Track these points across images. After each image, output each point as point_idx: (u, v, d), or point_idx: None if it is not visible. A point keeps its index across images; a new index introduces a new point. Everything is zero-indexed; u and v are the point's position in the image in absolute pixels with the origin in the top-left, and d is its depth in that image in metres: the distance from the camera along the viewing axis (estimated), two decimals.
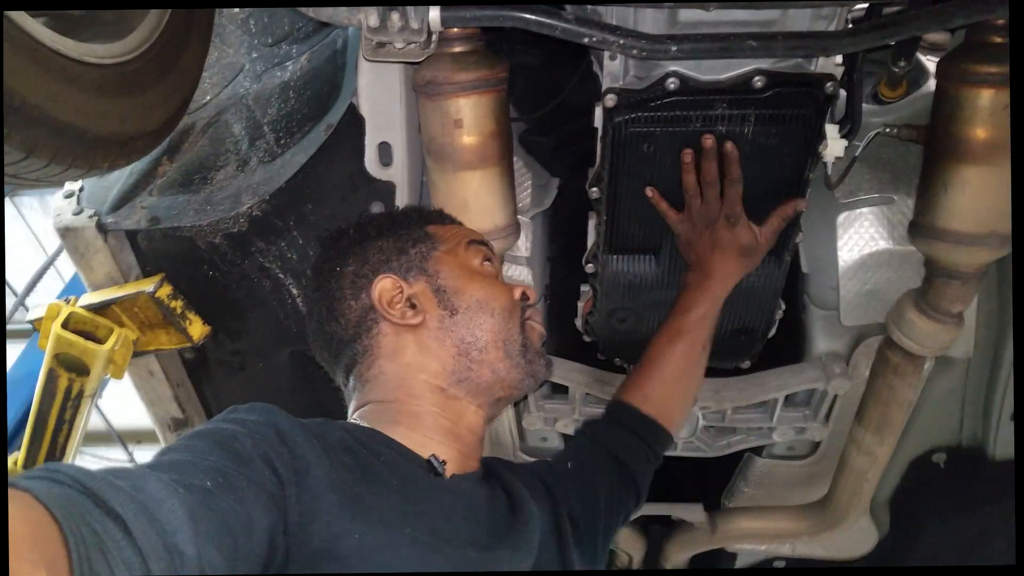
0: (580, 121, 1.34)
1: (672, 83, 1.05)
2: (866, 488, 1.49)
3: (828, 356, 1.41)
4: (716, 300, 1.15)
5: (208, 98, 1.35)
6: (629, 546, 1.80)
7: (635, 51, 0.97)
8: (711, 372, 1.46)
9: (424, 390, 0.91)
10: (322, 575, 0.69)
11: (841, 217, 1.35)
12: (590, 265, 1.30)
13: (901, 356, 1.27)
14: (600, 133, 1.12)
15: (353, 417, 0.91)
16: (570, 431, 1.52)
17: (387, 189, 1.27)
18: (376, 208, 1.28)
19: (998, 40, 1.01)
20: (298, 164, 1.21)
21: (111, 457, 5.66)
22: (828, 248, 1.36)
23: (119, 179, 1.34)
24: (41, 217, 6.71)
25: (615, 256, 1.23)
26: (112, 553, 0.52)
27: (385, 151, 1.25)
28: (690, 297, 1.15)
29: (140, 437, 6.49)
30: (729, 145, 1.07)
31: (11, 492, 0.51)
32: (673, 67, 1.06)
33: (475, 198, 1.16)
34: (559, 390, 1.52)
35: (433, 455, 0.85)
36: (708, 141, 1.07)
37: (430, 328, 0.92)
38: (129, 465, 0.63)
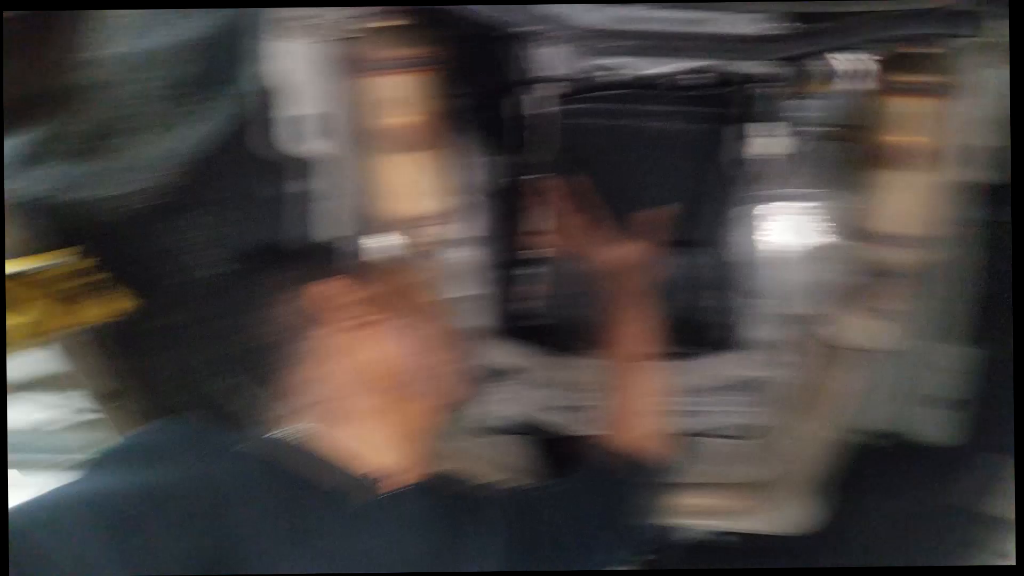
0: (520, 98, 1.33)
1: (602, 75, 1.04)
2: (808, 471, 1.53)
3: (768, 344, 1.43)
4: (635, 305, 1.15)
5: (102, 53, 1.27)
6: None
7: (569, 43, 0.96)
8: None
9: (369, 390, 0.87)
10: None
11: (770, 210, 1.36)
12: (532, 253, 1.30)
13: (837, 349, 1.29)
14: (533, 121, 1.11)
15: (284, 427, 0.86)
16: (513, 414, 1.54)
17: (304, 167, 1.22)
18: (293, 186, 1.23)
19: (923, 51, 1.01)
20: (204, 135, 1.14)
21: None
22: (761, 240, 1.37)
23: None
24: None
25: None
26: None
27: (302, 126, 1.19)
28: (615, 312, 1.17)
29: None
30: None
31: None
32: (602, 60, 1.04)
33: (407, 184, 1.15)
34: (501, 373, 1.53)
35: (368, 471, 0.82)
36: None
37: (373, 330, 0.89)
38: None
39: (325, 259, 1.00)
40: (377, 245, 1.37)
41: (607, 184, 1.14)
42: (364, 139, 1.13)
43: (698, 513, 1.79)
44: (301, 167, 1.21)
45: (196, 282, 1.31)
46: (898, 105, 1.02)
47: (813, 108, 1.19)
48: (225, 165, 1.21)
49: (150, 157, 1.14)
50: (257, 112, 1.17)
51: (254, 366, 0.93)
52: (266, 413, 0.91)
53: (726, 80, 1.03)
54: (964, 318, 1.28)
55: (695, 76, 1.03)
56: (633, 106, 1.05)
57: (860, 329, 1.24)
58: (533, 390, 1.53)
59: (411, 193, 1.16)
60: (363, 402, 0.86)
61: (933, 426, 1.47)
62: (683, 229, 1.21)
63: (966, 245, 1.21)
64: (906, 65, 1.00)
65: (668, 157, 1.09)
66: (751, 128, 1.07)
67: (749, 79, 1.03)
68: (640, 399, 1.12)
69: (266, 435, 0.84)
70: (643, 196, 1.16)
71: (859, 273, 1.20)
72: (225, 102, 1.12)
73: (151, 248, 1.27)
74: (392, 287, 0.96)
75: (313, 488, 0.79)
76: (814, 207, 1.32)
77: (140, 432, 0.78)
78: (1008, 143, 1.11)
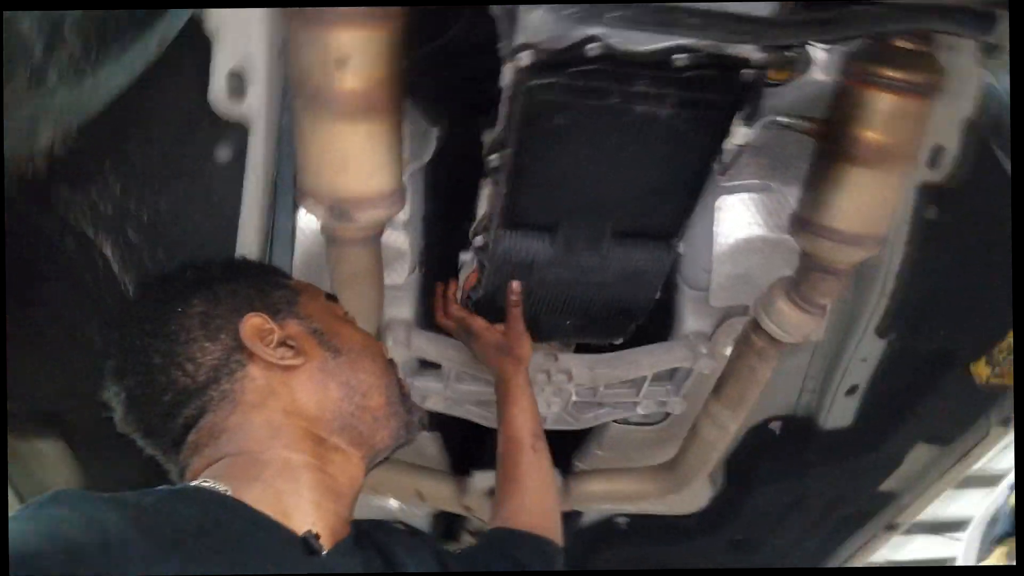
0: (467, 63, 1.20)
1: (594, 48, 0.94)
2: (714, 456, 1.56)
3: (695, 336, 1.43)
4: (520, 389, 1.20)
5: None
6: (483, 511, 1.77)
7: (568, 11, 0.85)
8: (586, 349, 1.44)
9: (301, 439, 0.78)
10: None
11: (719, 201, 1.34)
12: (479, 238, 1.18)
13: (766, 340, 1.30)
14: (508, 94, 0.99)
15: (203, 478, 0.73)
16: (440, 408, 1.43)
17: (237, 131, 1.03)
18: (223, 153, 1.05)
19: (907, 46, 1.01)
20: (117, 87, 0.92)
21: None
22: (705, 231, 1.35)
23: None
24: None
25: (510, 232, 1.13)
26: None
27: (237, 81, 1.01)
28: (500, 402, 1.21)
29: None
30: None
31: None
32: (595, 30, 0.94)
33: (357, 156, 0.98)
34: (430, 365, 1.40)
35: (308, 531, 0.72)
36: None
37: (310, 370, 0.82)
38: None
39: (252, 282, 0.88)
40: (314, 225, 1.19)
41: (581, 167, 1.05)
42: (311, 101, 0.95)
43: (602, 498, 1.80)
44: (234, 131, 1.00)
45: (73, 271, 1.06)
46: (879, 101, 1.02)
47: (788, 96, 1.18)
48: (142, 124, 0.98)
49: (46, 113, 0.88)
50: (185, 62, 0.95)
51: (166, 409, 0.80)
52: (177, 462, 0.80)
53: (722, 63, 0.98)
54: (883, 311, 1.35)
55: (690, 56, 0.96)
56: (621, 86, 0.96)
57: (793, 323, 1.26)
58: (456, 383, 1.43)
59: (359, 168, 0.99)
60: (284, 456, 0.76)
61: (837, 411, 1.57)
62: (644, 220, 1.16)
63: (900, 242, 1.27)
64: (895, 60, 0.99)
65: (649, 142, 1.02)
66: (737, 117, 1.02)
67: (745, 64, 0.98)
68: (534, 487, 1.12)
69: (182, 487, 0.73)
70: (615, 182, 1.08)
71: (804, 269, 1.21)
72: (147, 47, 0.89)
73: (38, 226, 1.00)
74: (323, 320, 0.88)
75: (248, 548, 0.66)
76: (766, 199, 1.32)
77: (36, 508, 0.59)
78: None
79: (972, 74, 1.10)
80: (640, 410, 1.50)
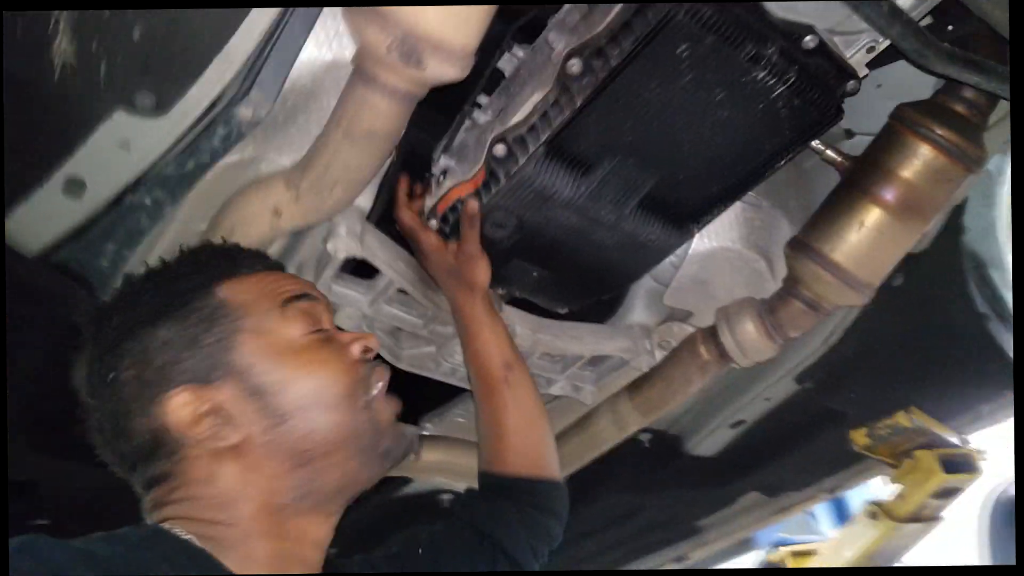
0: None
1: None
2: (594, 455, 1.50)
3: (640, 328, 1.36)
4: (479, 319, 1.06)
5: None
6: None
7: None
8: (531, 308, 1.31)
9: (255, 514, 0.71)
10: None
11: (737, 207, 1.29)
12: (502, 146, 0.99)
13: (715, 356, 1.27)
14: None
15: (171, 524, 0.69)
16: (350, 325, 1.19)
17: None
18: None
19: (963, 112, 1.05)
20: None
21: None
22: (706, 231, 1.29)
23: None
24: None
25: (548, 155, 0.96)
26: None
27: None
28: (461, 337, 1.09)
29: None
30: None
31: None
32: None
33: None
34: (360, 269, 1.16)
35: None
36: None
37: (253, 445, 0.72)
38: None
39: (186, 318, 0.75)
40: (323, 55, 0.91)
41: (664, 111, 0.93)
42: None
43: (442, 469, 1.66)
44: None
45: None
46: (922, 152, 1.04)
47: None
48: None
49: None
50: None
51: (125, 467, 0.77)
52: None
53: (839, 65, 0.93)
54: (814, 360, 1.39)
55: (818, 40, 0.90)
56: (756, 44, 0.87)
57: (754, 346, 1.24)
58: (383, 303, 1.21)
59: (461, 7, 0.78)
60: (244, 525, 0.71)
61: (711, 440, 1.60)
62: (682, 196, 1.07)
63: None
64: (946, 120, 1.02)
65: (745, 113, 0.93)
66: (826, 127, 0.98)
67: (854, 76, 0.94)
68: (515, 424, 1.03)
69: (152, 533, 0.69)
70: (685, 142, 0.98)
71: (786, 297, 1.20)
72: None
73: None
74: (268, 363, 0.74)
75: None
76: (753, 214, 1.30)
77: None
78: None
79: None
80: (554, 390, 1.39)
